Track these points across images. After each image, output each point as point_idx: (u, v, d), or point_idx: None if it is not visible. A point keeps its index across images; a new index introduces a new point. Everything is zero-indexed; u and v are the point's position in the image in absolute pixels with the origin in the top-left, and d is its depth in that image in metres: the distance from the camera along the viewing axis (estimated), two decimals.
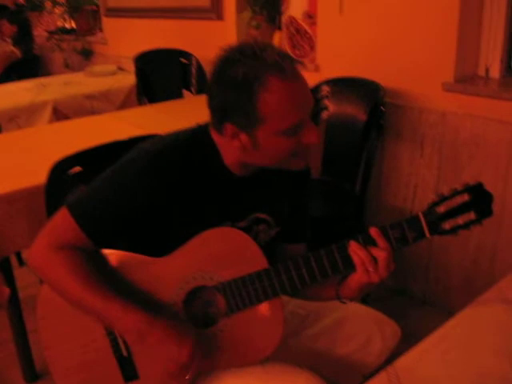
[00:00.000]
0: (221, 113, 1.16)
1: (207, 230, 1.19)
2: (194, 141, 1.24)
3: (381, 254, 1.13)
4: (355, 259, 1.15)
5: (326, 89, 2.59)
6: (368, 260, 1.13)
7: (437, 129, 2.39)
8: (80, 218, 1.19)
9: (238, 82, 1.10)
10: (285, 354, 1.31)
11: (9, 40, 5.10)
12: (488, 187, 2.26)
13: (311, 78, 2.66)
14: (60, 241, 1.20)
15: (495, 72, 2.33)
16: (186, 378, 1.16)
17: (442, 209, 1.12)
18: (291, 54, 1.19)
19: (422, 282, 2.63)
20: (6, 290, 1.97)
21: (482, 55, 2.35)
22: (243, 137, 1.16)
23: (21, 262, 2.98)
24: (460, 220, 1.12)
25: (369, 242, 1.14)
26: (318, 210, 2.30)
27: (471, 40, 2.31)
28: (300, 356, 1.41)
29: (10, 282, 2.03)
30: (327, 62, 2.79)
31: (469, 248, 2.39)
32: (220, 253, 1.20)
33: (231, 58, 1.13)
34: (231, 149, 1.21)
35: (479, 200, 1.12)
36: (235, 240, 1.20)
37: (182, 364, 1.14)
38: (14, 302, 2.10)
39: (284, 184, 1.34)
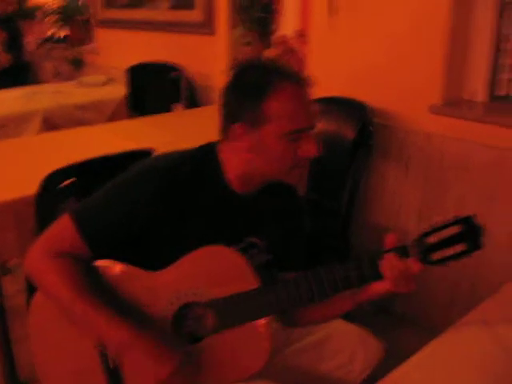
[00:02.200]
0: (232, 114, 1.22)
1: (200, 248, 1.22)
2: (199, 158, 1.29)
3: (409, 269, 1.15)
4: (387, 273, 1.16)
5: None
6: (399, 275, 1.16)
7: (422, 150, 2.43)
8: (83, 227, 1.23)
9: (253, 83, 1.19)
10: (270, 371, 1.32)
11: None
12: (471, 210, 2.30)
13: None
14: (57, 248, 1.23)
15: (480, 96, 2.39)
16: None
17: (432, 239, 1.14)
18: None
19: (402, 299, 2.66)
20: None
21: (469, 79, 2.41)
22: (250, 137, 1.20)
23: (4, 272, 2.97)
24: (450, 251, 1.14)
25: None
26: None
27: (458, 64, 2.37)
28: (285, 372, 1.43)
29: None
30: (317, 82, 2.83)
31: (450, 269, 2.42)
32: (212, 271, 1.23)
33: (250, 66, 1.24)
34: (236, 157, 1.25)
35: (470, 232, 1.14)
36: (227, 258, 1.23)
37: (166, 376, 1.15)
38: (0, 312, 2.11)
39: (278, 209, 1.37)
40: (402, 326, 2.64)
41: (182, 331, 1.26)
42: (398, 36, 2.43)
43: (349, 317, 2.32)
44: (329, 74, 2.75)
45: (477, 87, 2.39)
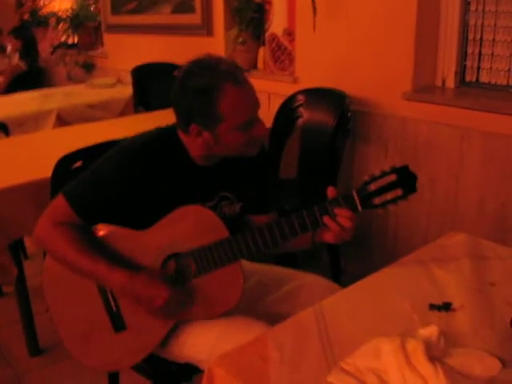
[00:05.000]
0: (186, 116, 1.45)
1: (179, 208, 1.47)
2: (163, 138, 1.53)
3: (348, 222, 1.37)
4: (332, 227, 1.37)
5: (301, 98, 2.88)
6: (340, 229, 1.38)
7: (398, 133, 2.68)
8: (72, 202, 1.48)
9: (199, 90, 1.40)
10: (251, 315, 1.55)
11: (15, 54, 5.42)
12: (442, 183, 2.55)
13: (290, 89, 2.98)
14: (57, 219, 1.49)
15: (450, 82, 2.63)
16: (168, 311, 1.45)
17: (372, 187, 1.34)
18: (239, 65, 1.48)
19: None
20: (15, 270, 2.24)
21: (439, 68, 2.65)
22: (206, 135, 1.45)
23: (26, 256, 3.26)
24: (388, 196, 1.34)
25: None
26: (292, 205, 2.58)
27: (428, 54, 2.61)
28: (264, 317, 1.59)
29: (18, 263, 2.30)
30: (304, 75, 3.09)
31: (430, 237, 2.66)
32: (189, 226, 1.48)
33: (192, 71, 1.43)
34: (196, 145, 1.49)
35: (405, 179, 1.35)
36: (201, 215, 1.48)
37: (163, 301, 1.41)
38: (22, 286, 2.37)
39: (242, 165, 1.61)
40: None
41: (170, 277, 1.50)
42: (372, 30, 2.69)
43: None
44: (314, 68, 3.02)
45: (447, 74, 2.63)
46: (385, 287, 1.35)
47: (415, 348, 1.01)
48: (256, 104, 1.48)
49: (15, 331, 2.56)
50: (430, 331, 1.08)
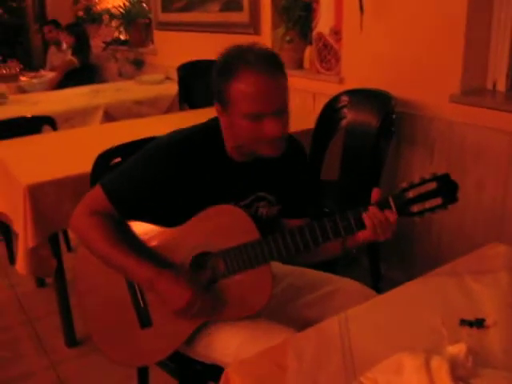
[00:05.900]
0: (214, 93, 1.43)
1: (212, 207, 1.46)
2: (200, 134, 1.52)
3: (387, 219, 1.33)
4: (368, 223, 1.34)
5: (345, 99, 2.83)
6: (378, 224, 1.34)
7: (445, 136, 2.59)
8: (109, 194, 1.49)
9: (219, 67, 1.40)
10: (281, 318, 1.54)
11: (68, 50, 5.55)
12: (489, 189, 2.45)
13: (336, 89, 2.93)
14: (93, 209, 1.50)
15: (501, 86, 2.52)
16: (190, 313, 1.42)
17: (411, 194, 1.31)
18: (277, 60, 1.41)
19: None
20: (54, 262, 2.28)
21: (490, 70, 2.54)
22: (224, 115, 1.43)
23: (69, 248, 3.32)
24: (427, 204, 1.31)
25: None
26: (331, 207, 2.54)
27: (479, 56, 2.50)
28: (294, 321, 1.60)
29: (57, 256, 2.34)
30: (350, 75, 3.04)
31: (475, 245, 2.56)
32: (221, 225, 1.46)
33: (226, 51, 1.42)
34: (225, 131, 1.48)
35: (445, 188, 1.31)
36: (233, 215, 1.46)
37: (185, 304, 1.40)
38: (60, 278, 2.42)
39: (281, 167, 1.57)
40: None
41: (198, 276, 1.50)
42: (420, 30, 2.60)
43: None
44: (359, 68, 2.96)
45: (498, 77, 2.52)
46: (415, 298, 1.30)
47: (440, 366, 0.96)
48: (273, 102, 1.38)
49: (54, 322, 2.62)
50: (459, 349, 1.02)
